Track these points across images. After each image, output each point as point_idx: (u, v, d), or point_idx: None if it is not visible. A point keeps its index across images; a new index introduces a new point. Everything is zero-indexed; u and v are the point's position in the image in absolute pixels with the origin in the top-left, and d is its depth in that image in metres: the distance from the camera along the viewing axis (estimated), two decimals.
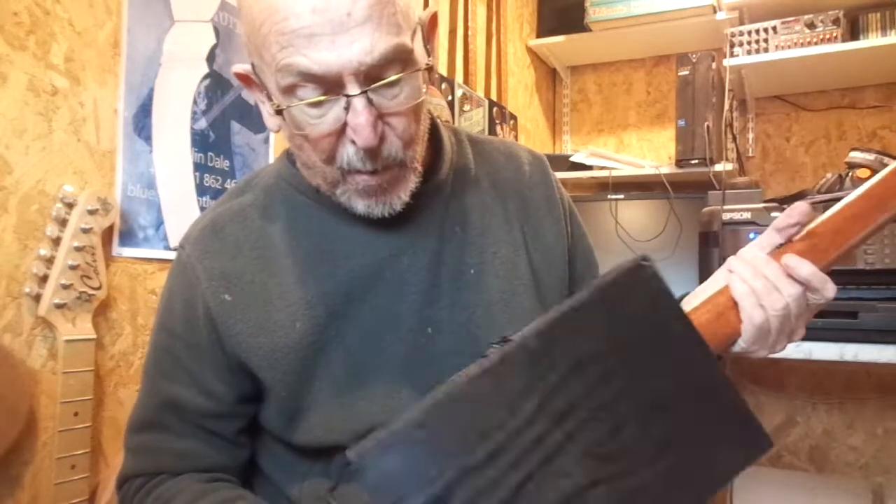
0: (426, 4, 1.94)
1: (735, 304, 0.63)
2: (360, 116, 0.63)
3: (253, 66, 0.69)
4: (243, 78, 0.71)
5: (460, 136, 0.86)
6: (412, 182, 0.71)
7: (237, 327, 0.73)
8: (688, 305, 0.65)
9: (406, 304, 0.74)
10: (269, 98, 0.68)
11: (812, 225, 0.64)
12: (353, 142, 0.65)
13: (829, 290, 0.63)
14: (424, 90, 0.68)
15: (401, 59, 0.64)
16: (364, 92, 0.62)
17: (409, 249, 0.75)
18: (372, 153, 0.66)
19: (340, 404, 0.72)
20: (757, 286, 0.62)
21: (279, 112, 0.66)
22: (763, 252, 0.65)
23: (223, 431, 0.76)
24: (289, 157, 0.81)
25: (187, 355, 0.75)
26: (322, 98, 0.63)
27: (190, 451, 0.76)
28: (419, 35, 0.67)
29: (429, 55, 0.69)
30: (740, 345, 0.64)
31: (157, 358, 0.78)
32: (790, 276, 0.62)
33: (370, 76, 0.62)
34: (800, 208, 0.64)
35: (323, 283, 0.74)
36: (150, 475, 0.76)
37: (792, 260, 0.63)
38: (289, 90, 0.64)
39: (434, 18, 0.72)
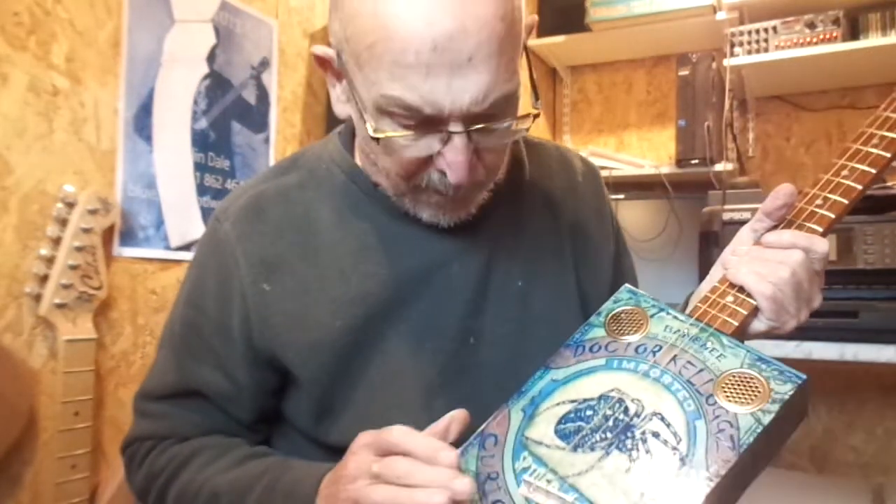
0: None
1: (740, 289, 0.63)
2: (460, 155, 0.60)
3: (340, 57, 0.64)
4: (322, 61, 0.67)
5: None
6: (482, 197, 0.70)
7: (274, 319, 0.70)
8: (692, 307, 0.65)
9: (450, 312, 0.72)
10: (349, 84, 0.64)
11: (799, 203, 0.66)
12: (442, 171, 0.62)
13: (818, 243, 0.62)
14: (525, 129, 0.64)
15: (509, 102, 0.61)
16: (467, 131, 0.60)
17: (459, 257, 0.73)
18: (459, 185, 0.63)
19: (373, 409, 0.69)
20: (758, 269, 0.62)
21: (375, 139, 0.61)
22: (755, 236, 0.67)
23: (242, 417, 0.74)
24: (341, 138, 0.77)
25: (216, 338, 0.72)
26: (414, 133, 0.60)
27: (208, 425, 0.74)
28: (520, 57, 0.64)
29: (535, 94, 0.65)
30: (764, 321, 0.63)
31: (183, 333, 0.75)
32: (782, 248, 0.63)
33: (474, 113, 0.59)
34: (784, 189, 0.65)
35: (368, 282, 0.70)
36: (163, 438, 0.74)
37: (770, 236, 0.64)
38: (386, 113, 0.60)
39: (531, 26, 0.66)
